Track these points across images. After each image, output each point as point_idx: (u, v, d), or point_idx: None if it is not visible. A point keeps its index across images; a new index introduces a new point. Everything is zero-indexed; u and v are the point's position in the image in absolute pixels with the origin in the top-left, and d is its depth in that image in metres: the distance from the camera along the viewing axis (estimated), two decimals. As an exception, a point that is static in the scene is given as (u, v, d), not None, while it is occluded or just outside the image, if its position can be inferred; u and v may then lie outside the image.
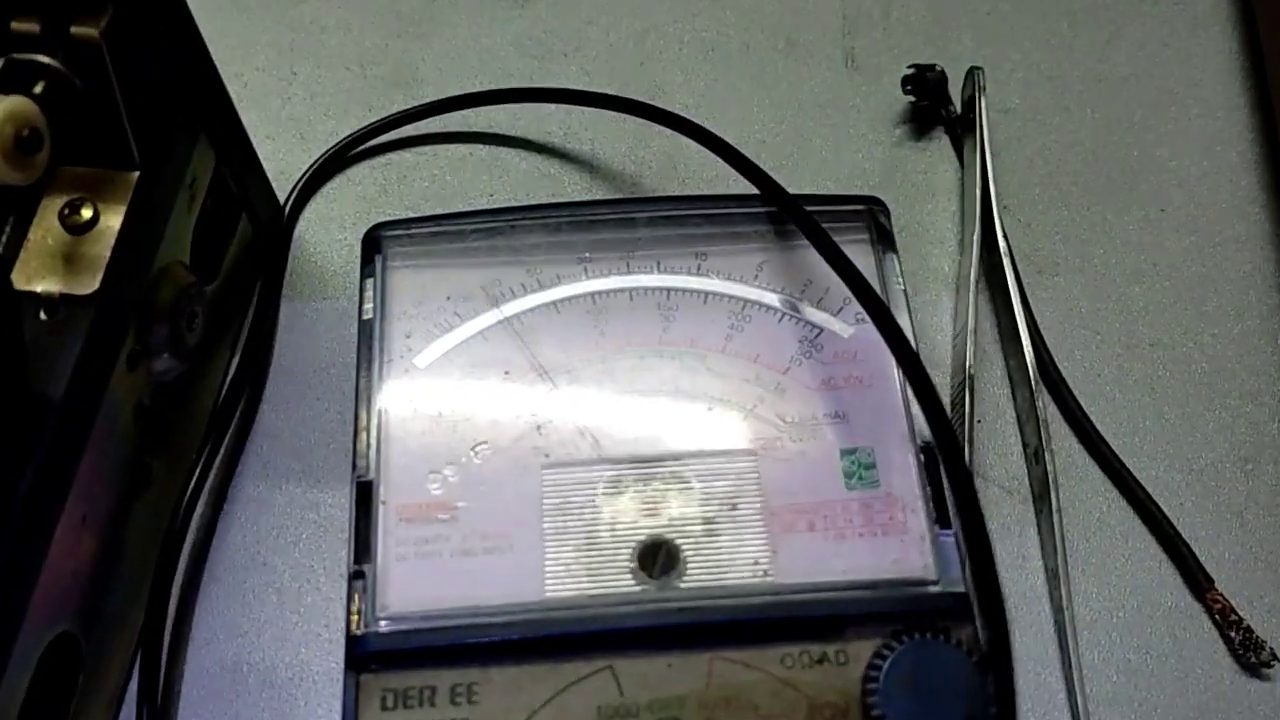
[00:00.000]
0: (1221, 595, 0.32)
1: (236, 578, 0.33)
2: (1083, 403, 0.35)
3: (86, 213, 0.28)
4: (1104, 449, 0.34)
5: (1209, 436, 0.34)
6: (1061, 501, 0.32)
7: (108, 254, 0.28)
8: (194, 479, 0.33)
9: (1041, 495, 0.33)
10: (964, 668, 0.26)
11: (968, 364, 0.34)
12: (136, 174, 0.29)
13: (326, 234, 0.38)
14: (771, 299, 0.32)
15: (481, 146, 0.40)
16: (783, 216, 0.32)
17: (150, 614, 0.31)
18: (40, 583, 0.26)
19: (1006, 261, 0.36)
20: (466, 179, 0.39)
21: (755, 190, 0.33)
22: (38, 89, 0.27)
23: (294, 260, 0.38)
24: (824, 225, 0.31)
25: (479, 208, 0.36)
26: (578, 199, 0.38)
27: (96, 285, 0.27)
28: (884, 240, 0.33)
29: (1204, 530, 0.33)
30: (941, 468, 0.28)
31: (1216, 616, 0.32)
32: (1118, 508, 0.33)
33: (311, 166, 0.39)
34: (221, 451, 0.34)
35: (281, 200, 0.38)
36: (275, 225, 0.38)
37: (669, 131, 0.36)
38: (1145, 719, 0.30)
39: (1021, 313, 0.35)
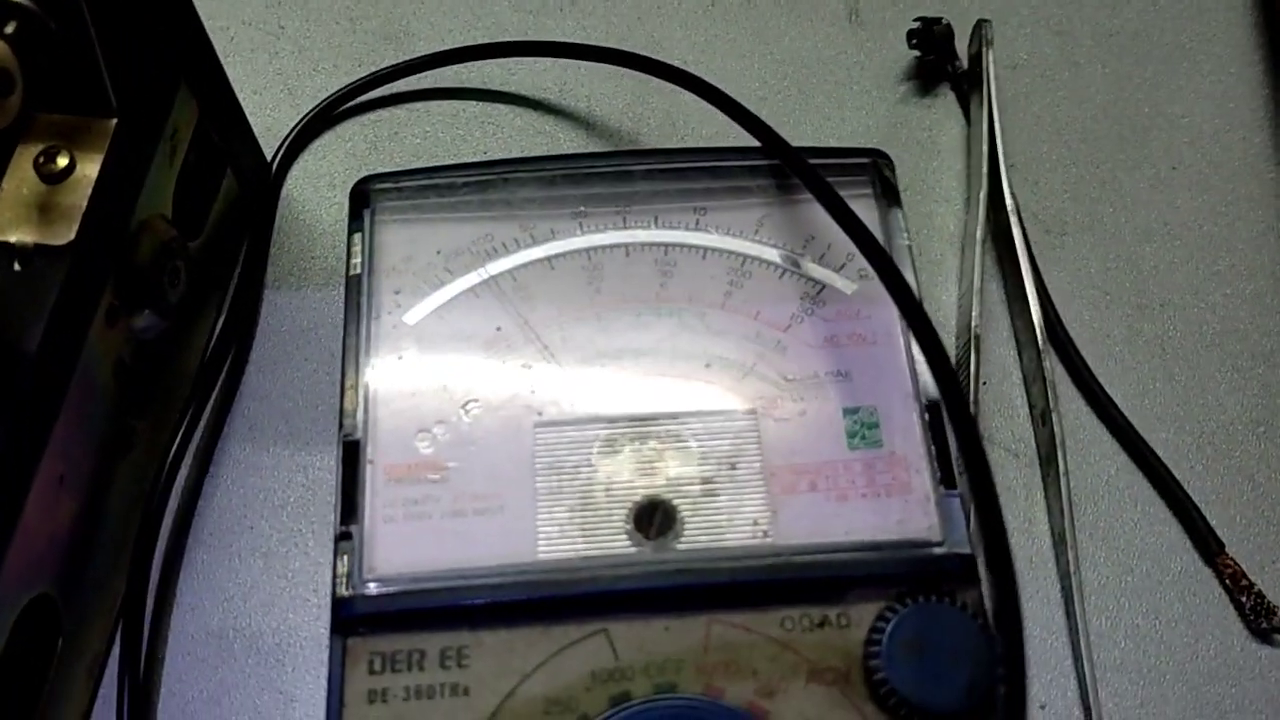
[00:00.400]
0: (1232, 560, 0.31)
1: (222, 542, 0.32)
2: (1091, 364, 0.34)
3: (62, 161, 0.27)
4: (1112, 411, 0.33)
5: (1220, 398, 0.33)
6: (1069, 464, 0.32)
7: (84, 203, 0.27)
8: (178, 441, 0.32)
9: (1048, 458, 0.32)
10: (970, 631, 0.25)
11: (973, 324, 0.33)
12: (114, 121, 0.28)
13: (315, 192, 0.37)
14: (772, 255, 0.31)
15: (474, 102, 0.39)
16: (784, 170, 0.31)
17: (132, 579, 0.30)
18: (15, 544, 0.25)
19: (1014, 220, 0.35)
20: (459, 136, 0.38)
21: (756, 144, 0.32)
22: (9, 29, 0.26)
23: (281, 219, 0.37)
24: (827, 179, 0.30)
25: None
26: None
27: (72, 235, 0.26)
28: (888, 194, 0.32)
29: (1214, 493, 0.32)
30: (945, 417, 0.27)
31: (1227, 581, 0.31)
32: (1126, 471, 0.32)
33: (299, 123, 0.38)
34: (206, 413, 0.33)
35: (268, 157, 0.37)
36: (262, 182, 0.37)
37: (668, 87, 0.35)
38: (1154, 685, 0.30)
39: (1029, 272, 0.34)
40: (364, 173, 0.34)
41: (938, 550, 0.27)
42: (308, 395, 0.34)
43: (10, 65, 0.25)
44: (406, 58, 0.38)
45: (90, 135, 0.28)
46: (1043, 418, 0.33)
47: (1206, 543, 0.31)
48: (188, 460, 0.32)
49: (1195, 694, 0.30)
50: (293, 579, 0.31)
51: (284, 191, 0.37)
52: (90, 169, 0.27)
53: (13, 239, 0.26)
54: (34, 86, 0.27)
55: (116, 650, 0.30)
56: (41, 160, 0.27)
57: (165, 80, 0.30)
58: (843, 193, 0.30)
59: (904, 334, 0.30)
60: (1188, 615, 0.31)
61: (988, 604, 0.26)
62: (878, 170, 0.32)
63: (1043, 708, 0.29)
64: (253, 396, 0.34)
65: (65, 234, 0.27)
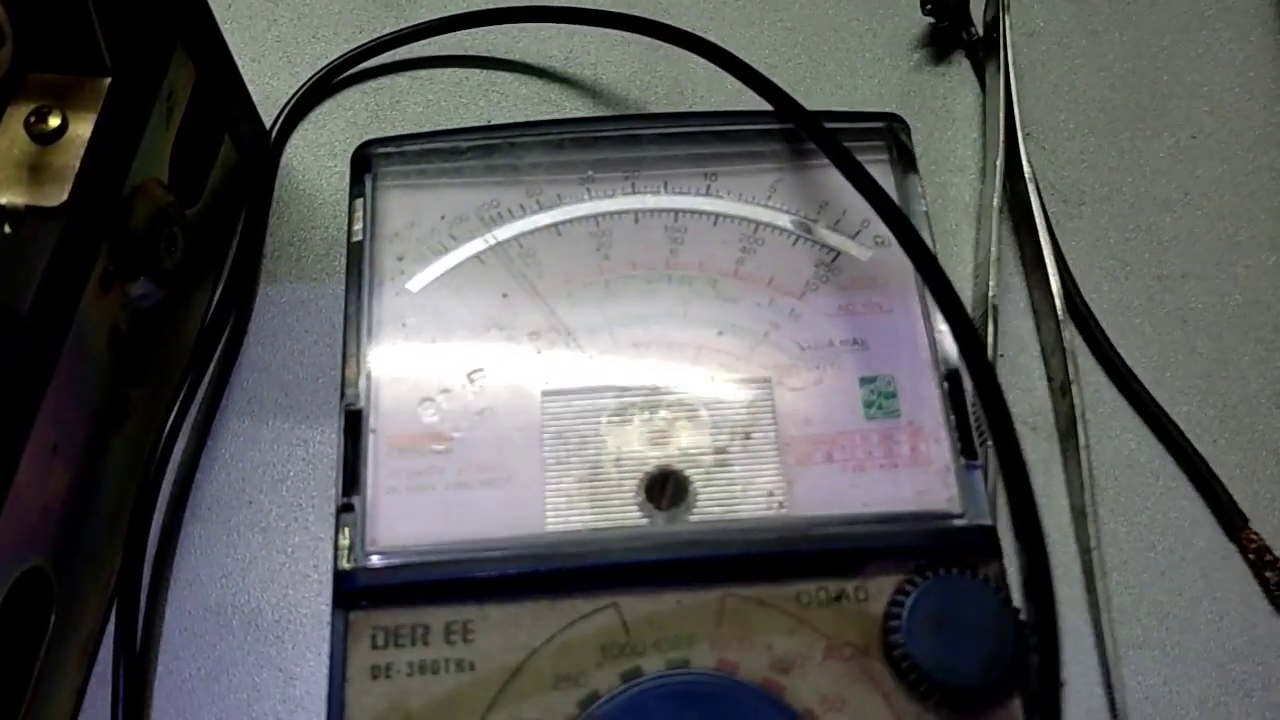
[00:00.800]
0: (1256, 535, 0.30)
1: (220, 516, 0.31)
2: (1111, 336, 0.33)
3: (54, 121, 0.27)
4: (1133, 384, 0.32)
5: (1243, 371, 0.33)
6: (1089, 438, 0.31)
7: (77, 164, 0.26)
8: (175, 412, 0.31)
9: (1068, 432, 0.31)
10: (993, 604, 0.24)
11: (990, 294, 0.32)
12: (108, 81, 0.27)
13: (315, 161, 0.37)
14: (785, 221, 0.30)
15: (478, 70, 0.38)
16: (797, 135, 0.31)
17: (128, 553, 0.29)
18: (6, 512, 0.24)
19: (1032, 189, 0.34)
20: (462, 104, 0.37)
21: (768, 108, 0.31)
22: (-3, -19, 0.25)
23: (281, 189, 0.36)
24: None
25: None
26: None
27: (64, 197, 0.26)
28: (905, 159, 0.31)
29: (1238, 468, 0.31)
30: (965, 375, 0.26)
31: (1251, 557, 0.30)
32: (1148, 445, 0.32)
33: (299, 90, 0.37)
34: (204, 384, 0.32)
35: (267, 125, 0.36)
36: (260, 150, 0.36)
37: (676, 53, 0.34)
38: (1177, 662, 0.29)
39: (1047, 242, 0.33)
40: (365, 141, 0.34)
41: (958, 522, 0.26)
42: (308, 368, 0.33)
43: (0, 18, 0.24)
44: (408, 24, 0.37)
45: (83, 95, 0.27)
46: (1062, 390, 0.32)
47: (1230, 518, 0.30)
48: (185, 433, 0.32)
49: (1219, 671, 0.29)
50: (293, 554, 0.31)
51: (283, 161, 0.37)
52: (83, 129, 0.27)
53: (3, 200, 0.25)
54: (25, 44, 0.26)
55: (112, 627, 0.29)
56: (33, 120, 0.27)
57: (161, 40, 0.30)
58: (857, 158, 0.29)
59: (921, 301, 0.29)
60: (1211, 591, 0.30)
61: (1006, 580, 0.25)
62: (893, 135, 0.31)
63: (1063, 685, 0.29)
64: (252, 368, 0.33)
65: (57, 195, 0.26)
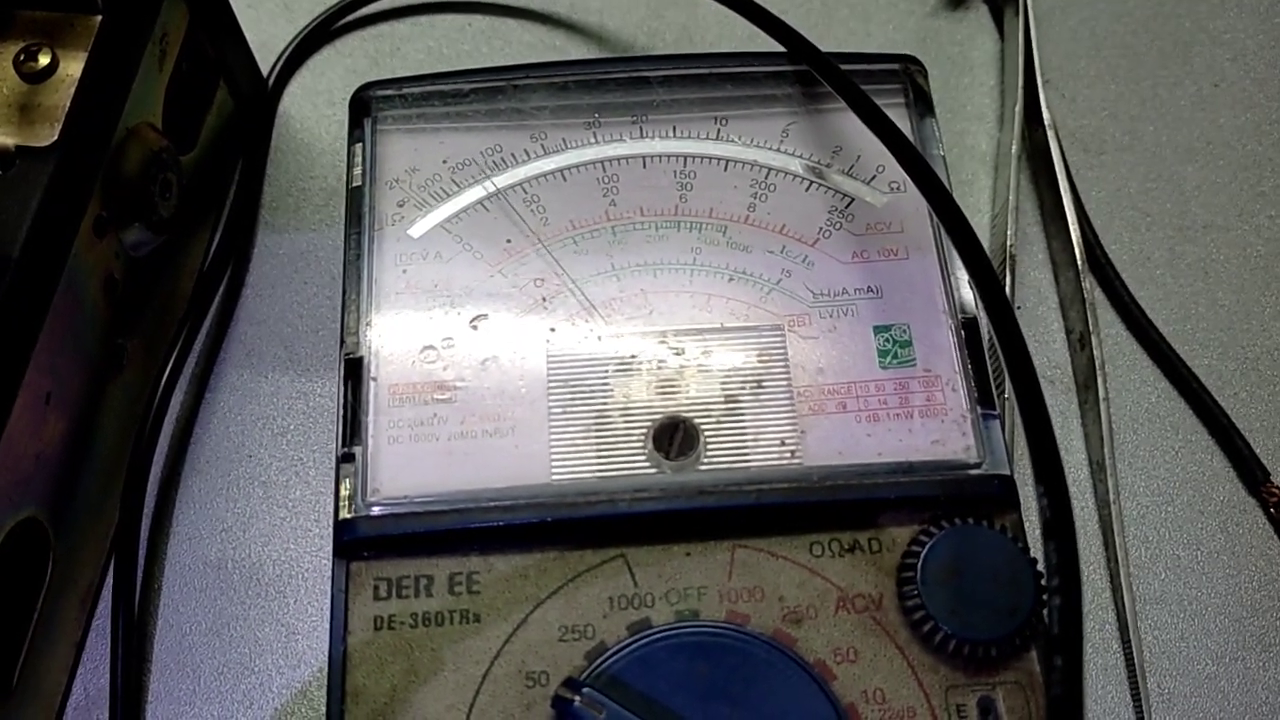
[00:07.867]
0: (1277, 488, 0.30)
1: (219, 470, 0.31)
2: (1131, 287, 0.32)
3: (44, 59, 0.26)
4: (1153, 335, 0.31)
5: (1265, 323, 0.32)
6: (1108, 391, 0.30)
7: (67, 103, 0.25)
8: (172, 363, 0.30)
9: (1087, 384, 0.31)
10: (1011, 555, 0.24)
11: (1008, 243, 0.32)
12: (98, 19, 0.26)
13: (314, 109, 0.36)
14: (797, 166, 0.29)
15: (480, 16, 0.37)
16: (810, 78, 0.30)
17: (126, 505, 0.29)
18: (-1, 459, 0.24)
19: (1051, 137, 0.33)
20: (464, 51, 0.36)
21: (780, 50, 0.30)
22: (-19, -89, 0.24)
23: (279, 137, 0.35)
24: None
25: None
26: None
27: (55, 136, 0.25)
28: (921, 102, 0.30)
29: (1259, 421, 0.31)
30: (981, 314, 0.26)
31: (1272, 510, 0.29)
32: (1167, 397, 0.31)
33: (297, 37, 0.36)
34: (201, 335, 0.32)
35: (265, 72, 0.35)
36: (257, 97, 0.35)
37: (684, -3, 0.34)
38: (1195, 617, 0.28)
39: (1067, 191, 0.32)
40: (365, 88, 0.33)
41: (975, 471, 0.25)
42: (307, 320, 0.32)
43: (-16, -51, 0.24)
44: (409, -32, 0.37)
45: (73, 33, 0.26)
46: (1081, 342, 0.31)
47: (1250, 471, 0.30)
48: (183, 384, 0.31)
49: (1238, 626, 0.28)
50: (294, 508, 0.30)
51: (281, 109, 0.36)
52: (73, 68, 0.26)
53: (-8, 140, 0.25)
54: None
55: (111, 581, 0.29)
56: (22, 58, 0.26)
57: (153, -22, 0.29)
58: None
59: (938, 248, 0.28)
60: (1230, 546, 0.29)
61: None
62: (910, 77, 0.30)
63: (1079, 641, 0.28)
64: (250, 320, 0.32)
65: (47, 135, 0.25)
